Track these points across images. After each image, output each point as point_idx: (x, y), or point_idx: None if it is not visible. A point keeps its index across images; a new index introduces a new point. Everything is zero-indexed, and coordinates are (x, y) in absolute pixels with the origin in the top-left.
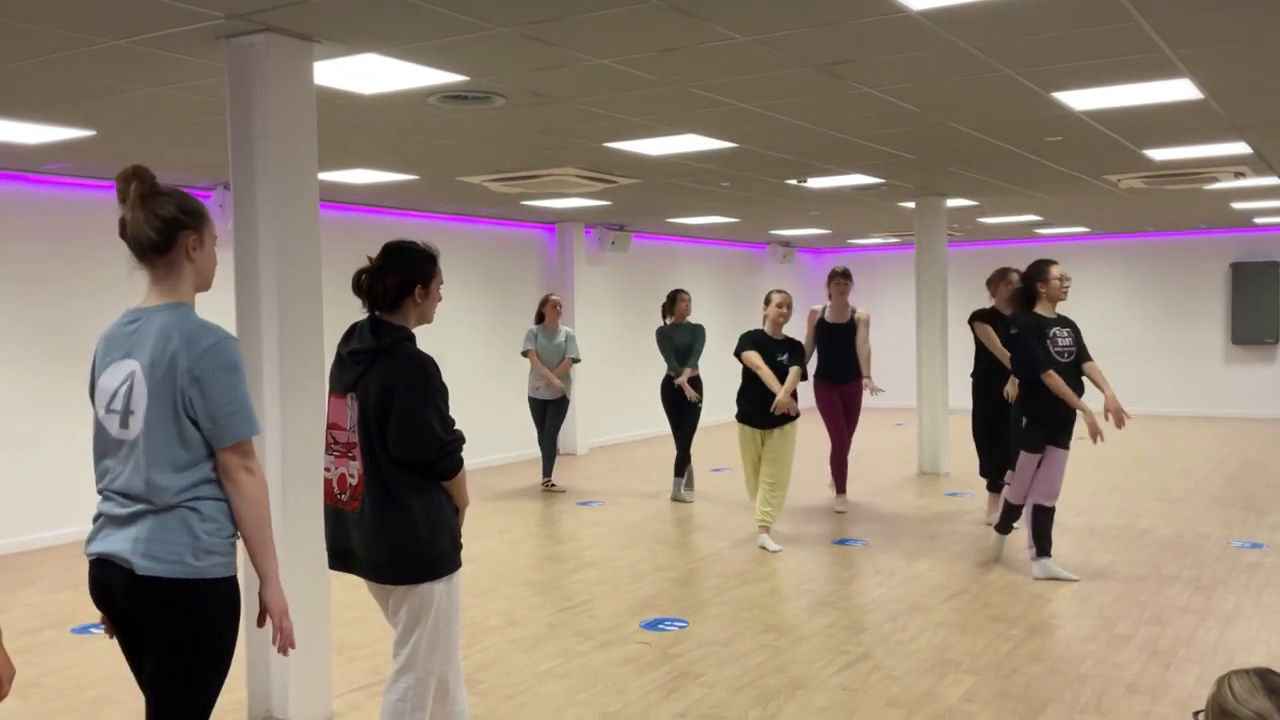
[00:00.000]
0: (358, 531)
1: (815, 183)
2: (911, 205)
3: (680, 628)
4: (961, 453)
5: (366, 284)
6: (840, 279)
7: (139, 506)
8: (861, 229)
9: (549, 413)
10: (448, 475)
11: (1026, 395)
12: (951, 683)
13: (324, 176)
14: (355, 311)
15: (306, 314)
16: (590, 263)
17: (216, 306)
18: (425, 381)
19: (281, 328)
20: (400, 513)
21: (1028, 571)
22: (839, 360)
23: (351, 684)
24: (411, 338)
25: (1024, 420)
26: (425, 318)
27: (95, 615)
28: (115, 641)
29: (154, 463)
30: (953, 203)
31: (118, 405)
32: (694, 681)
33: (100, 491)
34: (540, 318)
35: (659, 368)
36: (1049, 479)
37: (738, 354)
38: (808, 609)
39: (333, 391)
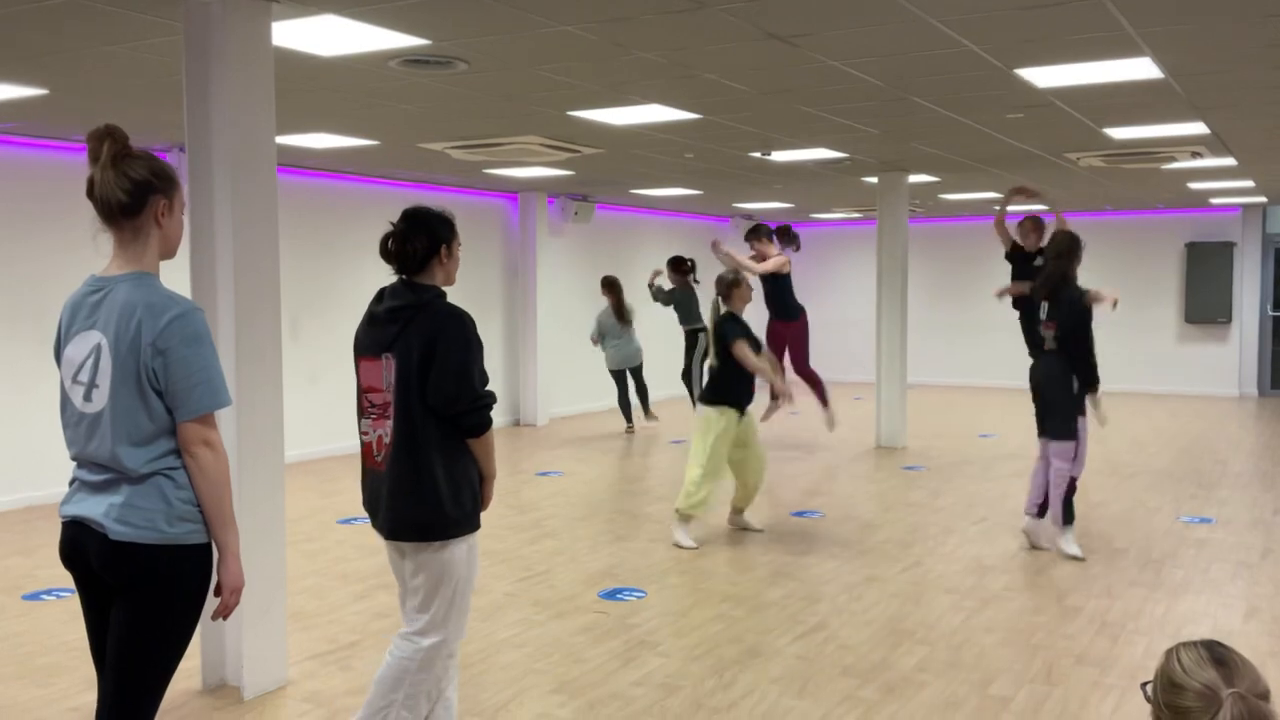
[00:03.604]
0: (384, 489)
1: (779, 156)
2: (874, 180)
3: (638, 597)
4: (919, 427)
5: (395, 249)
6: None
7: (112, 475)
8: (824, 203)
9: (635, 373)
10: (476, 431)
11: (1086, 361)
12: (905, 652)
13: (281, 140)
14: (317, 279)
15: (263, 280)
16: (553, 233)
17: (171, 271)
18: (467, 334)
19: (238, 294)
20: (424, 470)
21: (981, 543)
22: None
23: (306, 652)
24: (443, 295)
25: (1075, 384)
26: (450, 278)
27: (46, 582)
28: (68, 608)
29: (119, 437)
30: (915, 178)
31: (84, 377)
32: (651, 650)
33: (73, 458)
34: (620, 310)
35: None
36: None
37: (728, 344)
38: (765, 579)
39: (364, 354)
